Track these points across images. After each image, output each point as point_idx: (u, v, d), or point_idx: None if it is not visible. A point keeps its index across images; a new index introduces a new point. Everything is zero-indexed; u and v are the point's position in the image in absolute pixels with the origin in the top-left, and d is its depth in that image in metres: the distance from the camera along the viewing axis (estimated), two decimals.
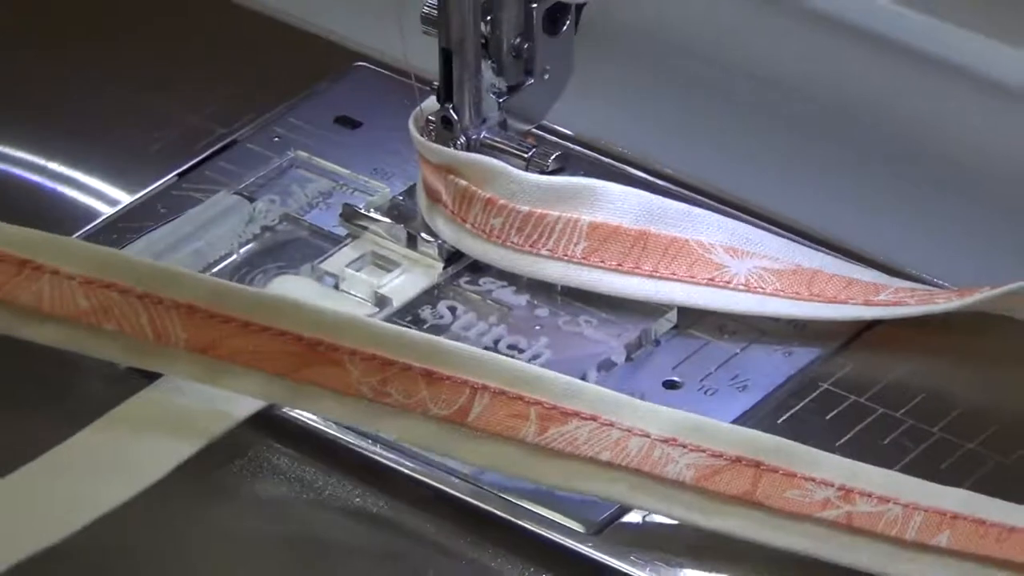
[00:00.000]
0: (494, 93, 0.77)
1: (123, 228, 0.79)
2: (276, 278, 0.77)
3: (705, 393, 0.75)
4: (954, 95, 0.90)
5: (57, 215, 0.80)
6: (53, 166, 0.83)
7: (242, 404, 0.73)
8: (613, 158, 0.84)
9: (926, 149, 0.89)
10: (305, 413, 0.74)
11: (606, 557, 0.70)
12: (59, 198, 0.82)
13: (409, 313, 0.76)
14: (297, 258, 0.78)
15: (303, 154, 0.81)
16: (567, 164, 0.79)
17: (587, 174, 0.80)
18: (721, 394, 0.75)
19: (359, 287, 0.77)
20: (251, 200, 0.79)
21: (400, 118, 0.80)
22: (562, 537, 0.70)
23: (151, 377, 0.74)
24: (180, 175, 0.81)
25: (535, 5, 0.77)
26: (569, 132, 0.83)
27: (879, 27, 0.91)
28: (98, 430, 0.73)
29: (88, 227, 0.79)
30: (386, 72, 0.86)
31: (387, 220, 0.79)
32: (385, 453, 0.72)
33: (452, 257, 0.78)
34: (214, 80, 0.86)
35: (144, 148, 0.82)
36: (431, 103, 0.79)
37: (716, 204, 0.83)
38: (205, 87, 0.85)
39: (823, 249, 0.80)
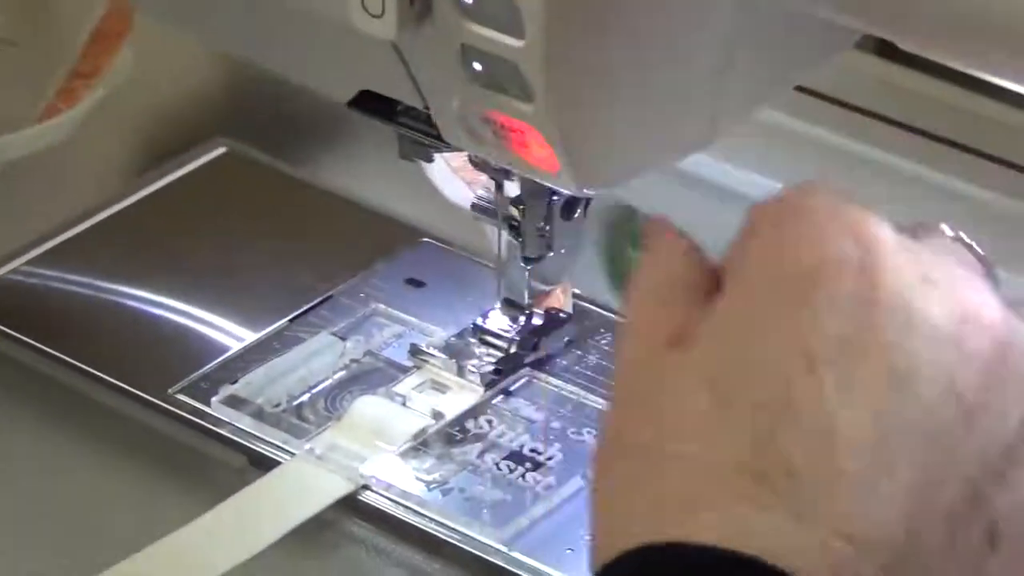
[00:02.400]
0: (523, 261, 0.82)
1: (248, 359, 0.86)
2: (359, 398, 0.83)
3: None
4: None
5: (202, 347, 0.87)
6: (199, 312, 0.89)
7: (330, 491, 0.79)
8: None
9: None
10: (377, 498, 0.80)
11: None
12: (203, 336, 0.88)
13: (458, 424, 0.82)
14: (376, 383, 0.84)
15: (381, 306, 0.88)
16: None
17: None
18: None
19: (421, 404, 0.83)
20: (343, 339, 0.86)
21: (453, 281, 0.90)
22: None
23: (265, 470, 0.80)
24: (291, 320, 0.87)
25: (555, 198, 0.83)
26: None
27: None
28: (222, 509, 0.78)
29: (221, 358, 0.86)
30: (443, 246, 0.92)
31: (443, 355, 0.85)
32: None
33: (490, 384, 0.84)
34: (318, 251, 0.93)
35: (265, 301, 0.89)
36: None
37: None
38: (311, 256, 0.92)
39: None
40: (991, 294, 0.59)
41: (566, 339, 0.86)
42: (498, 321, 0.85)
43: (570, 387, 0.85)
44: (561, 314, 0.86)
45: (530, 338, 0.85)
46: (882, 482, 0.56)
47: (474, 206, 0.83)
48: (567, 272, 0.85)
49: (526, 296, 0.84)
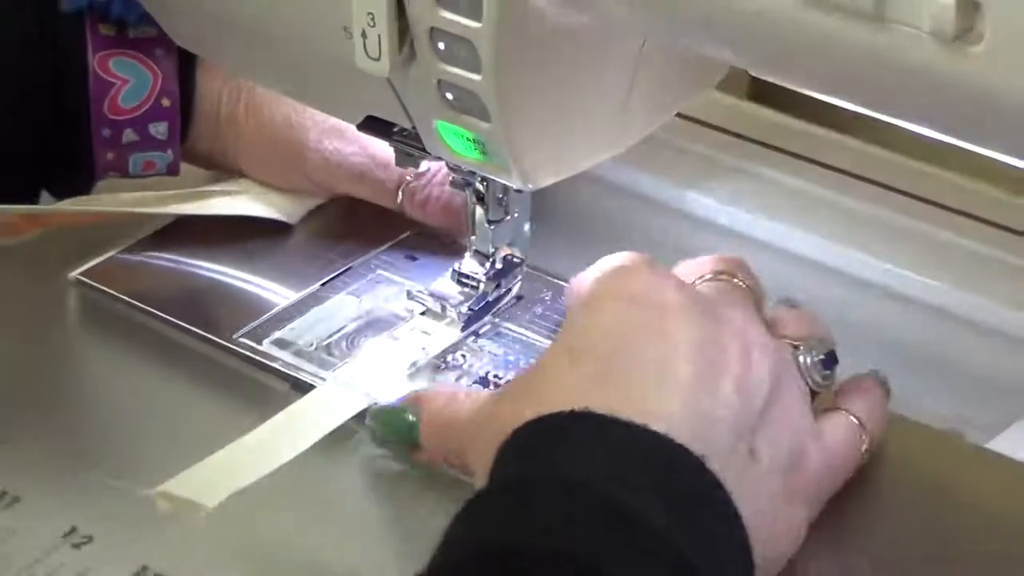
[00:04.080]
0: (488, 223, 0.80)
1: (291, 312, 0.82)
2: (369, 340, 0.81)
3: None
4: None
5: (258, 304, 0.83)
6: (256, 279, 0.85)
7: (350, 407, 0.76)
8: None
9: None
10: None
11: None
12: (259, 296, 0.84)
13: (440, 357, 0.80)
14: (381, 328, 0.81)
15: (386, 274, 0.85)
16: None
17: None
18: None
19: (413, 344, 0.80)
20: (358, 298, 0.83)
21: (438, 256, 0.86)
22: None
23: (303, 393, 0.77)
24: (321, 284, 0.84)
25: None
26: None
27: None
28: (275, 420, 0.75)
29: (271, 311, 0.82)
30: (430, 233, 0.88)
31: (429, 296, 0.82)
32: None
33: (465, 325, 0.81)
34: (342, 235, 0.88)
35: (303, 270, 0.85)
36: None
37: None
38: (337, 239, 0.87)
39: None
40: (748, 319, 0.67)
41: (518, 295, 0.84)
42: (471, 266, 0.82)
43: (521, 330, 0.82)
44: (515, 259, 0.83)
45: (494, 278, 0.82)
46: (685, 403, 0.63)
47: (452, 181, 0.81)
48: (516, 230, 0.83)
49: (490, 248, 0.82)
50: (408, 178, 0.84)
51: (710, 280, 0.70)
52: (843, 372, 0.73)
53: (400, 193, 0.84)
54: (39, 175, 0.80)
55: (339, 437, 0.76)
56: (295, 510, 0.73)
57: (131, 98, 0.77)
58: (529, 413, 0.62)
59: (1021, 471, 0.72)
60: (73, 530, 0.70)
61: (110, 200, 0.82)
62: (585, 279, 0.70)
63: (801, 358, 0.68)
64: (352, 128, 0.79)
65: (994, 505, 0.71)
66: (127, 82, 0.77)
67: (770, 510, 0.64)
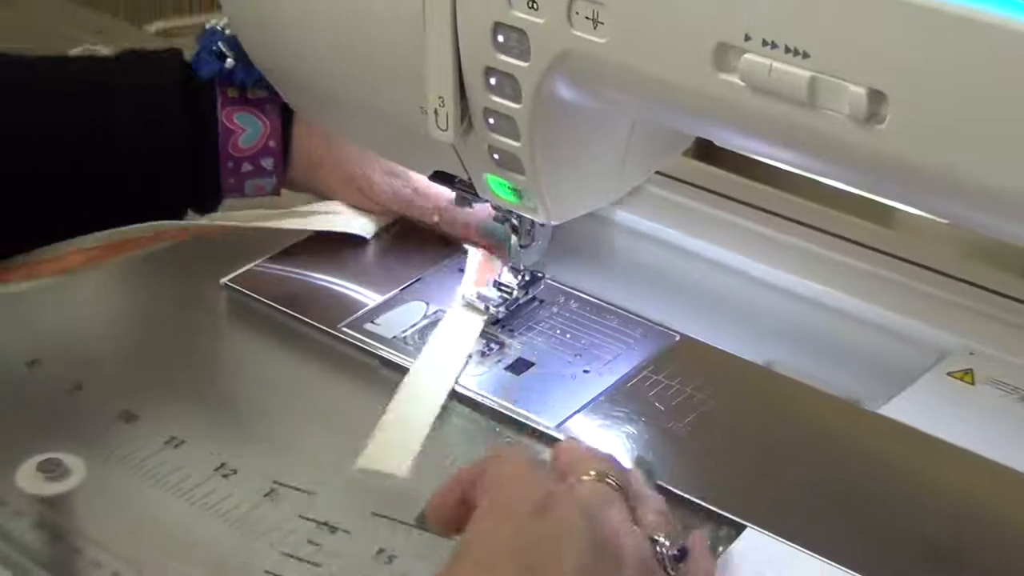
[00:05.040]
0: (520, 247, 0.78)
1: (379, 310, 0.80)
2: (434, 332, 0.78)
3: None
4: None
5: (356, 303, 0.81)
6: (355, 286, 0.81)
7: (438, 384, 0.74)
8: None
9: None
10: None
11: None
12: (355, 298, 0.81)
13: (485, 345, 0.77)
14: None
15: (444, 284, 0.82)
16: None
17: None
18: None
19: (468, 336, 0.78)
20: (427, 303, 0.81)
21: None
22: None
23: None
24: (400, 290, 0.82)
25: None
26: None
27: None
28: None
29: (365, 308, 0.80)
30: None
31: (475, 299, 0.79)
32: None
33: (501, 319, 0.79)
34: (413, 255, 0.85)
35: (387, 280, 0.82)
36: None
37: None
38: (410, 258, 0.84)
39: None
40: (620, 520, 0.58)
41: (540, 299, 0.82)
42: (507, 278, 0.81)
43: (540, 326, 0.80)
44: (538, 274, 0.81)
45: (523, 287, 0.81)
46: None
47: (495, 218, 0.79)
48: (540, 252, 0.81)
49: (521, 265, 0.80)
50: (441, 204, 0.82)
51: (589, 480, 0.60)
52: (763, 352, 0.74)
53: (438, 215, 0.83)
54: (186, 197, 0.80)
55: None
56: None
57: (248, 140, 0.78)
58: None
59: (900, 427, 0.71)
60: (222, 465, 0.70)
61: (236, 216, 0.82)
62: (484, 475, 0.59)
63: (659, 549, 0.59)
64: (402, 168, 0.80)
65: (883, 455, 0.70)
66: (245, 130, 0.78)
67: None
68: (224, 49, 0.77)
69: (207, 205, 0.81)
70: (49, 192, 0.75)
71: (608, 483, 0.60)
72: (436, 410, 0.73)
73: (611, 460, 0.62)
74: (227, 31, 0.77)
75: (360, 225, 0.84)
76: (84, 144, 0.75)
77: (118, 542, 0.65)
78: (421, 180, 0.81)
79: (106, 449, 0.70)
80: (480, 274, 0.82)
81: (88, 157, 0.75)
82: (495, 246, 0.81)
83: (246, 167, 0.79)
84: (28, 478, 0.68)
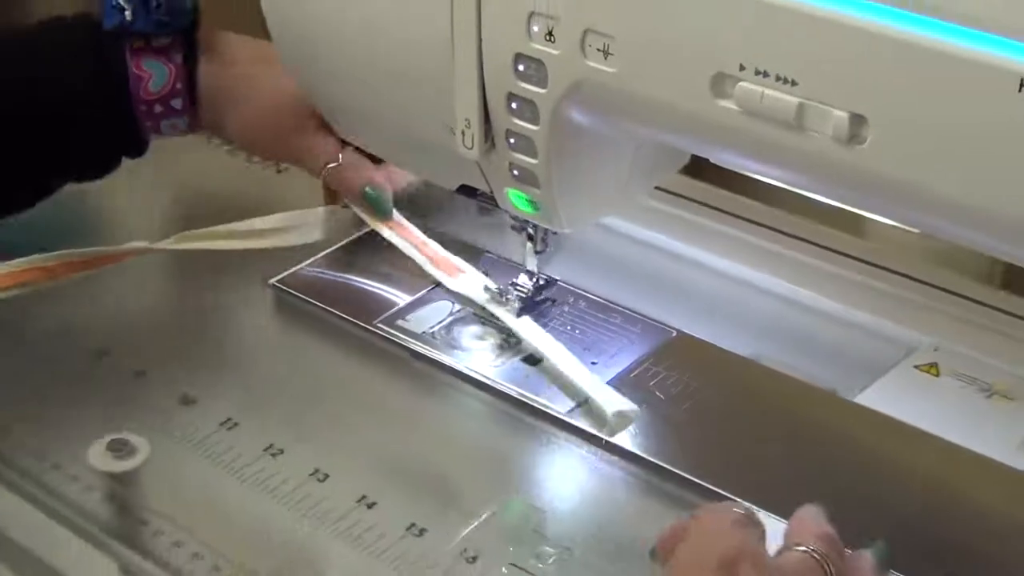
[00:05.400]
0: (535, 253, 0.77)
1: (409, 308, 0.79)
2: (462, 328, 0.77)
3: None
4: None
5: (388, 302, 0.79)
6: (392, 290, 0.80)
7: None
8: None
9: None
10: None
11: None
12: (387, 297, 0.80)
13: (504, 339, 0.76)
14: (467, 322, 0.78)
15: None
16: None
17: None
18: None
19: (490, 332, 0.77)
20: (452, 303, 0.79)
21: (502, 272, 0.80)
22: None
23: None
24: (428, 290, 0.80)
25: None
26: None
27: None
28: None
29: (396, 307, 0.79)
30: (497, 257, 0.83)
31: (496, 295, 0.78)
32: None
33: (519, 316, 0.77)
34: None
35: (417, 283, 0.80)
36: None
37: None
38: None
39: None
40: None
41: (552, 299, 0.80)
42: (523, 280, 0.79)
43: (553, 323, 0.79)
44: (551, 277, 0.80)
45: (537, 288, 0.79)
46: None
47: (512, 226, 0.78)
48: (553, 257, 0.80)
49: (536, 268, 0.79)
50: (330, 162, 0.78)
51: (800, 552, 0.51)
52: (751, 346, 0.75)
53: (325, 171, 0.78)
54: (114, 143, 0.76)
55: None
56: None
57: (156, 84, 0.75)
58: None
59: (872, 414, 0.71)
60: (270, 445, 0.70)
61: (191, 237, 0.80)
62: (693, 524, 0.52)
63: None
64: (303, 121, 0.76)
65: (857, 438, 0.70)
66: (152, 75, 0.75)
67: None
68: (123, 3, 0.73)
69: (136, 149, 0.77)
70: None
71: (815, 557, 0.51)
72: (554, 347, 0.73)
73: (836, 542, 0.53)
74: None
75: (309, 236, 0.81)
76: (8, 101, 0.72)
77: (179, 514, 0.65)
78: (316, 136, 0.77)
79: (167, 430, 0.70)
80: (424, 250, 0.80)
81: (15, 115, 0.72)
82: (372, 210, 0.79)
83: (158, 108, 0.75)
84: (98, 456, 0.68)
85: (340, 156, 0.77)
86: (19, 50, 0.74)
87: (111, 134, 0.76)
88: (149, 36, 0.74)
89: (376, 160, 0.79)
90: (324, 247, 0.83)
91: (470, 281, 0.79)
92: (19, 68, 0.73)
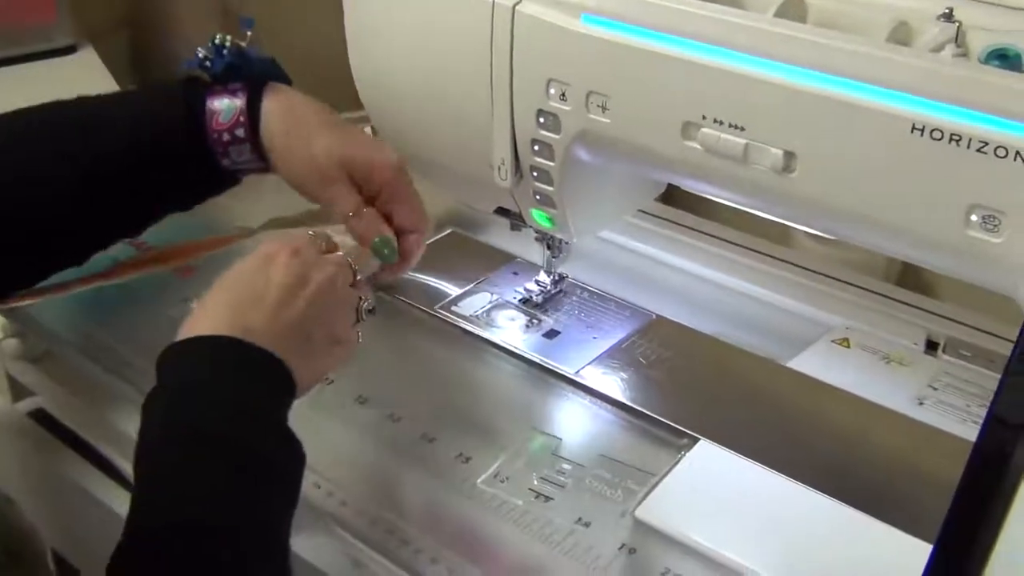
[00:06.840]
0: (552, 257, 0.75)
1: (460, 297, 0.77)
2: (499, 312, 0.75)
3: None
4: None
5: (449, 292, 0.77)
6: (449, 283, 0.77)
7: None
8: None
9: None
10: None
11: None
12: (445, 290, 0.77)
13: (528, 321, 0.74)
14: (501, 307, 0.76)
15: (503, 280, 0.79)
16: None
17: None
18: None
19: (517, 315, 0.75)
20: (491, 293, 0.77)
21: (525, 273, 0.78)
22: None
23: None
24: (474, 284, 0.78)
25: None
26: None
27: None
28: None
29: (450, 297, 0.76)
30: (523, 261, 0.80)
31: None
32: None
33: (539, 306, 0.75)
34: (482, 263, 0.79)
35: (464, 278, 0.78)
36: None
37: None
38: (481, 264, 0.79)
39: None
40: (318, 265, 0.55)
41: (564, 292, 0.78)
42: (542, 278, 0.77)
43: (564, 308, 0.77)
44: (564, 275, 0.77)
45: (554, 284, 0.78)
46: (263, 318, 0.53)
47: (536, 238, 0.75)
48: (566, 260, 0.77)
49: (552, 268, 0.77)
50: (352, 212, 0.65)
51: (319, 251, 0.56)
52: (712, 326, 0.72)
53: (348, 220, 0.66)
54: (197, 173, 0.68)
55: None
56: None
57: (226, 117, 0.66)
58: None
59: (801, 376, 0.70)
60: (360, 395, 0.68)
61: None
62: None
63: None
64: (341, 168, 0.65)
65: (791, 394, 0.69)
66: (223, 110, 0.66)
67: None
68: (204, 52, 0.67)
69: (218, 179, 0.68)
70: (102, 191, 0.64)
71: (336, 256, 0.56)
72: None
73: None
74: (228, 43, 0.67)
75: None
76: (118, 139, 0.65)
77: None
78: (342, 189, 0.65)
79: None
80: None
81: (121, 150, 0.64)
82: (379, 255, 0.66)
83: (225, 136, 0.67)
84: None
85: (364, 210, 0.65)
86: (128, 100, 0.68)
87: (194, 163, 0.67)
88: (225, 82, 0.67)
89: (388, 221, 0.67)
90: None
91: None
92: (126, 108, 0.67)
